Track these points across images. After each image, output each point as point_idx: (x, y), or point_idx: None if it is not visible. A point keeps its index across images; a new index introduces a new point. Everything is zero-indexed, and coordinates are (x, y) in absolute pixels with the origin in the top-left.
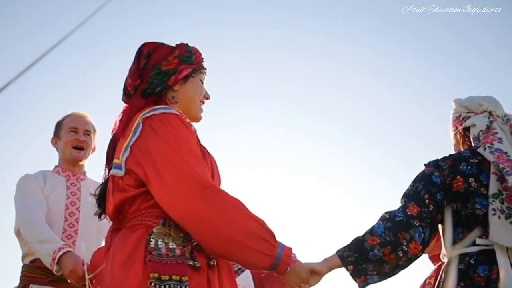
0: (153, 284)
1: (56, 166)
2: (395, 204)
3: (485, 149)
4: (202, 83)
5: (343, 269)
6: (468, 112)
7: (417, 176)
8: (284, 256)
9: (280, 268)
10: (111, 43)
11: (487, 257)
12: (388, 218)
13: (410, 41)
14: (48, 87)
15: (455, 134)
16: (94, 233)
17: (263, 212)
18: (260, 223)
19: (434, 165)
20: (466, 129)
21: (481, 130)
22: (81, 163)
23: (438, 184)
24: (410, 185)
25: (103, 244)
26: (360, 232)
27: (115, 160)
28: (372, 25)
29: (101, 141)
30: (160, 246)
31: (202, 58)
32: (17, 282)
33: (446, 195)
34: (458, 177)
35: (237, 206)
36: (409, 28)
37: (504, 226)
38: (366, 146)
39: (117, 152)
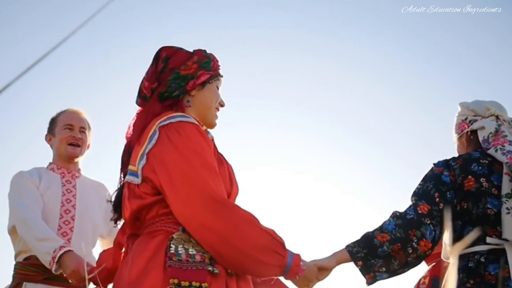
0: None
1: (50, 163)
2: (395, 204)
3: (496, 150)
4: (218, 89)
5: (349, 267)
6: (475, 116)
7: (426, 175)
8: (293, 265)
9: (289, 277)
10: (111, 43)
11: (498, 256)
12: (399, 216)
13: (410, 41)
14: (48, 87)
15: (460, 136)
16: (89, 231)
17: (263, 212)
18: (271, 235)
19: (443, 165)
20: (472, 132)
21: (491, 133)
22: (76, 160)
23: (448, 183)
24: (419, 184)
25: (98, 243)
26: (360, 232)
27: (130, 167)
28: (372, 25)
29: (100, 141)
30: (180, 252)
31: (219, 65)
32: (9, 280)
33: (456, 194)
34: (470, 176)
35: (249, 220)
36: (409, 28)
37: None
38: (366, 146)
39: (132, 159)
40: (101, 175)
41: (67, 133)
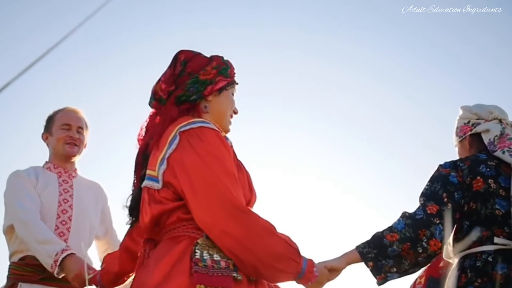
0: None
1: (47, 162)
2: (395, 203)
3: (503, 152)
4: (233, 96)
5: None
6: (478, 119)
7: (433, 176)
8: (307, 272)
9: (301, 282)
10: (111, 43)
11: (505, 256)
12: (408, 216)
13: (410, 41)
14: (47, 87)
15: (463, 139)
16: (87, 232)
17: (263, 212)
18: (288, 243)
19: (451, 166)
20: (475, 135)
21: (496, 136)
22: (73, 159)
23: (455, 184)
24: (427, 185)
25: (93, 243)
26: (360, 232)
27: (149, 172)
28: (372, 25)
29: (100, 141)
30: (205, 257)
31: (235, 73)
32: (3, 281)
33: (463, 194)
34: (478, 177)
35: (268, 228)
36: (409, 28)
37: None
38: (366, 146)
39: (151, 164)
40: (99, 175)
41: (64, 133)
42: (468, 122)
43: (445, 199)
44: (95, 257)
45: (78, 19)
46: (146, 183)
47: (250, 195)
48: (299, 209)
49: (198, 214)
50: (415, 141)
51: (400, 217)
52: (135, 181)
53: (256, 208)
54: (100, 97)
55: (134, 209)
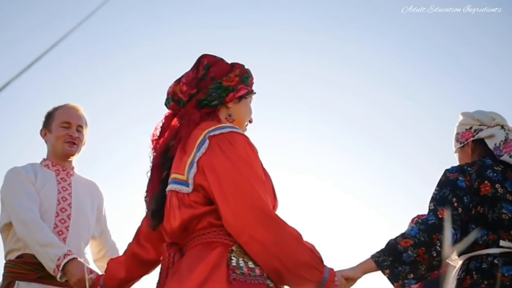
0: None
1: (44, 160)
2: (394, 203)
3: (510, 156)
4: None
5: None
6: (480, 125)
7: (441, 181)
8: (329, 281)
9: None
10: (111, 43)
11: (511, 259)
12: (421, 222)
13: (410, 41)
14: (47, 86)
15: (464, 145)
16: (85, 231)
17: None
18: (313, 252)
19: (458, 170)
20: (478, 141)
21: (501, 141)
22: (71, 158)
23: (464, 188)
24: (435, 190)
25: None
26: (360, 232)
27: (176, 175)
28: (372, 25)
29: (99, 141)
30: (241, 264)
31: (254, 82)
32: None
33: (472, 198)
34: (486, 182)
35: (295, 236)
36: (409, 28)
37: None
38: (366, 146)
39: (177, 167)
40: (98, 176)
41: (64, 131)
42: (470, 128)
43: (455, 204)
44: (88, 256)
45: (78, 19)
46: (173, 187)
47: (274, 202)
48: (299, 209)
49: (227, 218)
50: (415, 141)
51: (413, 224)
52: (153, 183)
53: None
54: (99, 97)
55: (157, 212)
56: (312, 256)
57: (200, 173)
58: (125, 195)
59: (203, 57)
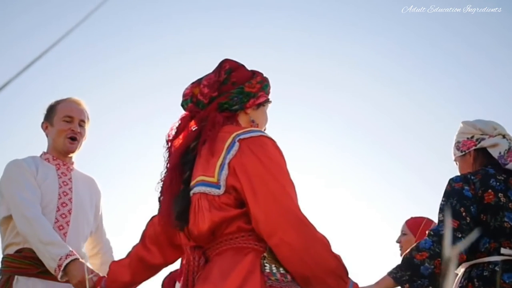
0: None
1: (45, 153)
2: (394, 203)
3: None
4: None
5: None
6: (482, 134)
7: (447, 192)
8: None
9: None
10: (112, 43)
11: (511, 266)
12: (433, 234)
13: (410, 41)
14: (47, 86)
15: (465, 154)
16: (84, 226)
17: None
18: (340, 261)
19: (462, 179)
20: (480, 150)
21: (506, 150)
22: (71, 155)
23: (470, 198)
24: (443, 201)
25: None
26: (360, 232)
27: (204, 178)
28: (372, 25)
29: (99, 141)
30: (274, 271)
31: (271, 92)
32: None
33: (477, 207)
34: (490, 190)
35: (324, 243)
36: (409, 28)
37: None
38: (367, 146)
39: (205, 169)
40: (98, 175)
41: (66, 126)
42: (472, 137)
43: (464, 214)
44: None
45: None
46: (202, 189)
47: None
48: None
49: (259, 219)
50: (415, 141)
51: (426, 236)
52: (174, 183)
53: None
54: (99, 97)
55: (183, 214)
56: (339, 265)
57: (232, 174)
58: (123, 195)
59: (225, 61)
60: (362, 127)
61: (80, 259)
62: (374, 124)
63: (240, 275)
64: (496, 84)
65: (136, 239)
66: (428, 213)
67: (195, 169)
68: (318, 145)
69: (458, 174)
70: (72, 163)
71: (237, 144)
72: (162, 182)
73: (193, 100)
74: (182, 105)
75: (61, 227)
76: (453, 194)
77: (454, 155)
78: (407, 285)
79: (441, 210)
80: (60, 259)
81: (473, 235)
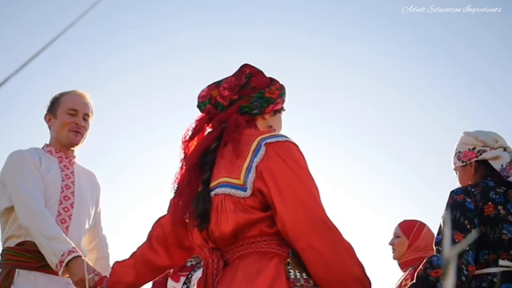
0: None
1: (47, 145)
2: (394, 203)
3: None
4: None
5: None
6: (484, 146)
7: (449, 204)
8: None
9: None
10: (111, 43)
11: (509, 277)
12: (442, 250)
13: (410, 41)
14: (47, 86)
15: (466, 165)
16: (85, 220)
17: None
18: (363, 269)
19: (463, 192)
20: (481, 161)
21: (507, 162)
22: (74, 148)
23: (472, 210)
24: (445, 214)
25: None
26: (360, 232)
27: (228, 179)
28: (372, 25)
29: (99, 141)
30: (298, 277)
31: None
32: None
33: (479, 218)
34: (490, 203)
35: (350, 249)
36: (409, 28)
37: None
38: (366, 146)
39: (229, 171)
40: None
41: (70, 119)
42: (474, 148)
43: (468, 226)
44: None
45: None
46: (227, 190)
47: None
48: None
49: (286, 223)
50: (415, 141)
51: (436, 252)
52: (192, 184)
53: None
54: (99, 97)
55: (204, 214)
56: (363, 273)
57: (259, 178)
58: (122, 194)
59: (245, 66)
60: (361, 127)
61: (82, 257)
62: (374, 124)
63: (266, 280)
64: (496, 84)
65: (134, 239)
66: (428, 213)
67: (216, 170)
68: (317, 145)
69: (457, 181)
70: (74, 157)
71: (263, 147)
72: (177, 183)
73: (211, 102)
74: (199, 107)
75: (63, 221)
76: (456, 207)
77: (455, 164)
78: None
79: (445, 224)
80: (63, 255)
81: (472, 236)
